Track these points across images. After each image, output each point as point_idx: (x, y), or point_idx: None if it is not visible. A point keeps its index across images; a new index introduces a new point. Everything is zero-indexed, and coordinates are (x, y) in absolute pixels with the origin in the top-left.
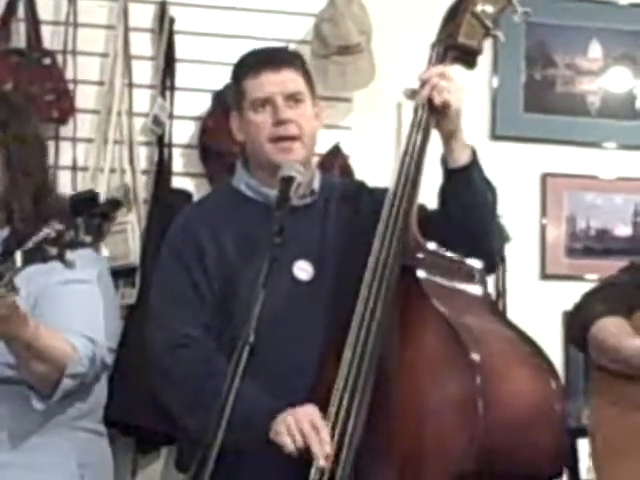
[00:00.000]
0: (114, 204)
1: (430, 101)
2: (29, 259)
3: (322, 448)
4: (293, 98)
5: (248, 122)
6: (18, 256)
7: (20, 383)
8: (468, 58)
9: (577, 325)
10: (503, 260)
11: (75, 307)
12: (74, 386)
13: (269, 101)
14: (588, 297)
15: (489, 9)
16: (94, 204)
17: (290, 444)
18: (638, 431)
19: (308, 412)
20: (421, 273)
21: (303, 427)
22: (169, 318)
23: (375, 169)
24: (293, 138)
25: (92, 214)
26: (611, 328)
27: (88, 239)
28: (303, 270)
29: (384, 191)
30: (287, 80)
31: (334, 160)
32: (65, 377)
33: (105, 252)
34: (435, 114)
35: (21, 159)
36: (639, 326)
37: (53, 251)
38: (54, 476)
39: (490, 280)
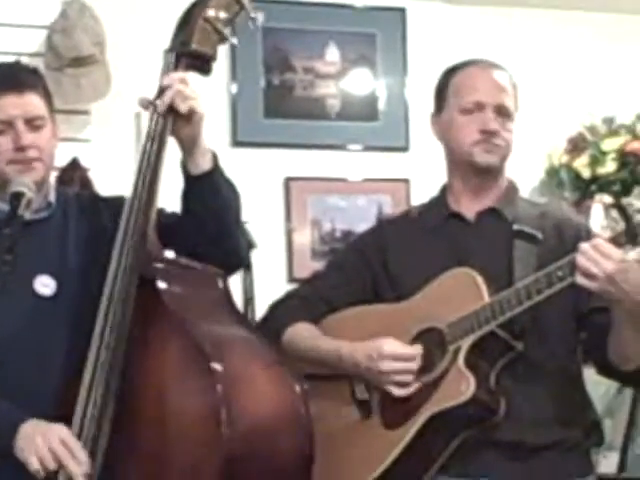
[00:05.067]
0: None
1: (172, 108)
2: None
3: (81, 468)
4: (33, 123)
5: None
6: None
7: None
8: (202, 65)
9: (268, 336)
10: (250, 267)
11: None
12: None
13: (9, 124)
14: (273, 308)
15: (222, 15)
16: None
17: (36, 463)
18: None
19: (58, 431)
20: (161, 284)
21: (54, 448)
22: None
23: (115, 180)
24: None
25: None
26: (303, 333)
27: None
28: (45, 285)
29: (120, 199)
30: (28, 104)
31: (73, 173)
32: None
33: None
34: (178, 121)
35: None
36: (327, 328)
37: None
38: None
39: (238, 288)
